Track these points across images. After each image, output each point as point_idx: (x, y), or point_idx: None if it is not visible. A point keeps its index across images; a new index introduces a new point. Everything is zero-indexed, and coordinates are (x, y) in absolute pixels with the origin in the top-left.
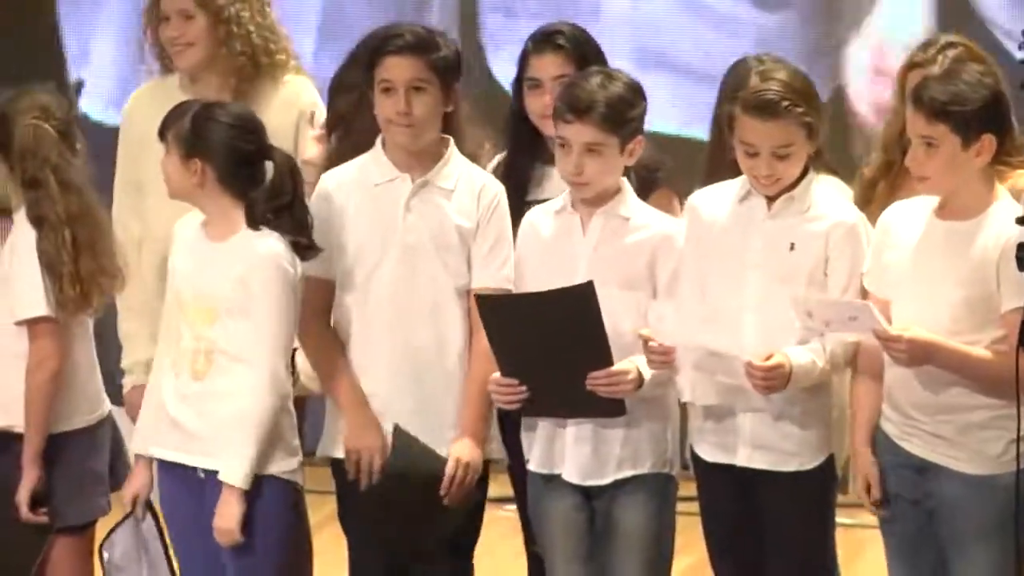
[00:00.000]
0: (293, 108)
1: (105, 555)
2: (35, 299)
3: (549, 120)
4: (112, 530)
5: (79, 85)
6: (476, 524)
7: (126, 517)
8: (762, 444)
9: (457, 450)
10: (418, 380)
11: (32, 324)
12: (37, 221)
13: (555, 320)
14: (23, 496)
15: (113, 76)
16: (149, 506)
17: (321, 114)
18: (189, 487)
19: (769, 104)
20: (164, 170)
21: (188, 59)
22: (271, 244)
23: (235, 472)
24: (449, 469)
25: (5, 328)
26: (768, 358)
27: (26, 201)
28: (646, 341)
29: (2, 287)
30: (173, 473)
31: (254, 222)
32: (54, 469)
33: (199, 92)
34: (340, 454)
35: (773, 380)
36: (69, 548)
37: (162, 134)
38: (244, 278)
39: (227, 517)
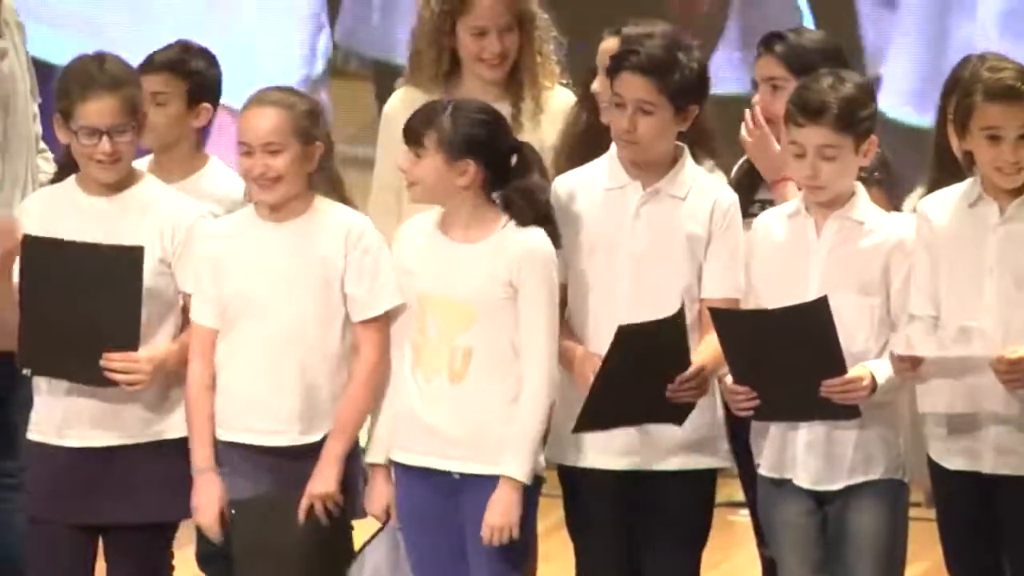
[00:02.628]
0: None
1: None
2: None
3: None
4: (363, 546)
5: None
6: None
7: (379, 530)
8: (1009, 449)
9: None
10: None
11: (374, 325)
12: None
13: (789, 333)
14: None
15: None
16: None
17: None
18: (440, 491)
19: (1011, 88)
20: (416, 174)
21: (502, 71)
22: (540, 239)
23: (521, 469)
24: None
25: (331, 332)
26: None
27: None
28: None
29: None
30: (421, 478)
31: (520, 218)
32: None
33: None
34: (569, 460)
35: (1018, 374)
36: None
37: (414, 138)
38: (514, 276)
39: (506, 513)
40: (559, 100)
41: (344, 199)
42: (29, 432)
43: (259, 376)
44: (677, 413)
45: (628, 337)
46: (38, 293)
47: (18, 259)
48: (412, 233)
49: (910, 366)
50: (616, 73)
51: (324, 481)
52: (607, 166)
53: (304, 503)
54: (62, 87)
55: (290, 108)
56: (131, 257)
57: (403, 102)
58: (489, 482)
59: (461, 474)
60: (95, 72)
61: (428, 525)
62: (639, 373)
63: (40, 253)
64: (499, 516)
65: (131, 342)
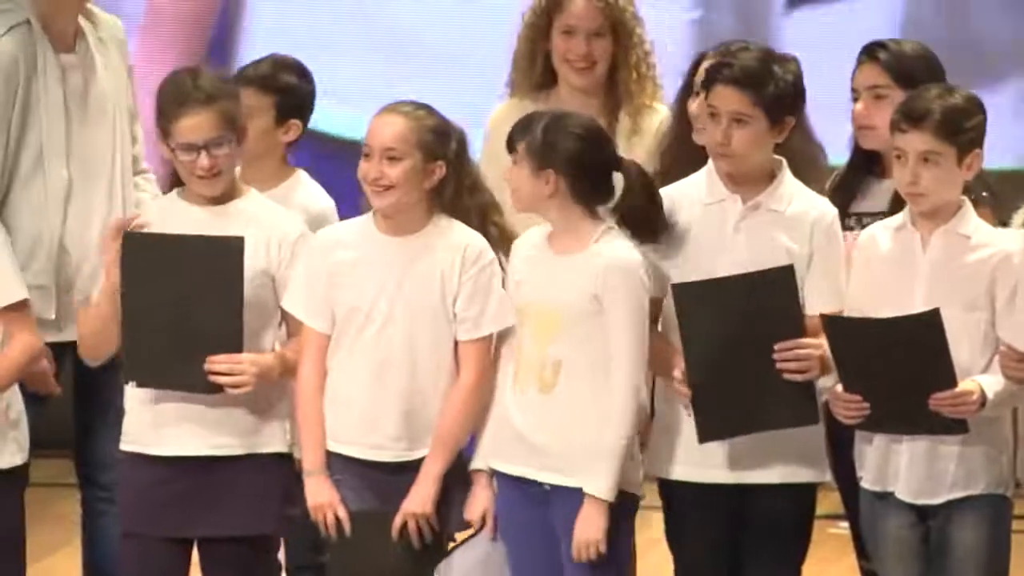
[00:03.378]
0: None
1: None
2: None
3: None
4: (453, 549)
5: None
6: None
7: (471, 536)
8: None
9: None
10: None
11: (478, 344)
12: None
13: (900, 343)
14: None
15: None
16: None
17: None
18: (532, 501)
19: None
20: (513, 182)
21: (589, 77)
22: (627, 253)
23: (603, 485)
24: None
25: (441, 349)
26: None
27: None
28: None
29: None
30: (515, 486)
31: (613, 232)
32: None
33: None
34: (667, 474)
35: None
36: None
37: (511, 146)
38: (601, 289)
39: (593, 529)
40: (660, 120)
41: (480, 225)
42: (122, 443)
43: (367, 389)
44: (956, 424)
45: (840, 329)
46: (138, 295)
47: (120, 263)
48: (524, 245)
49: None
50: (711, 86)
51: (419, 501)
52: (705, 180)
53: (397, 520)
54: (158, 105)
55: (417, 120)
56: (232, 247)
57: (505, 113)
58: (577, 494)
59: (551, 485)
60: (189, 88)
61: (523, 533)
62: (891, 371)
63: (139, 248)
64: (584, 532)
65: (235, 343)
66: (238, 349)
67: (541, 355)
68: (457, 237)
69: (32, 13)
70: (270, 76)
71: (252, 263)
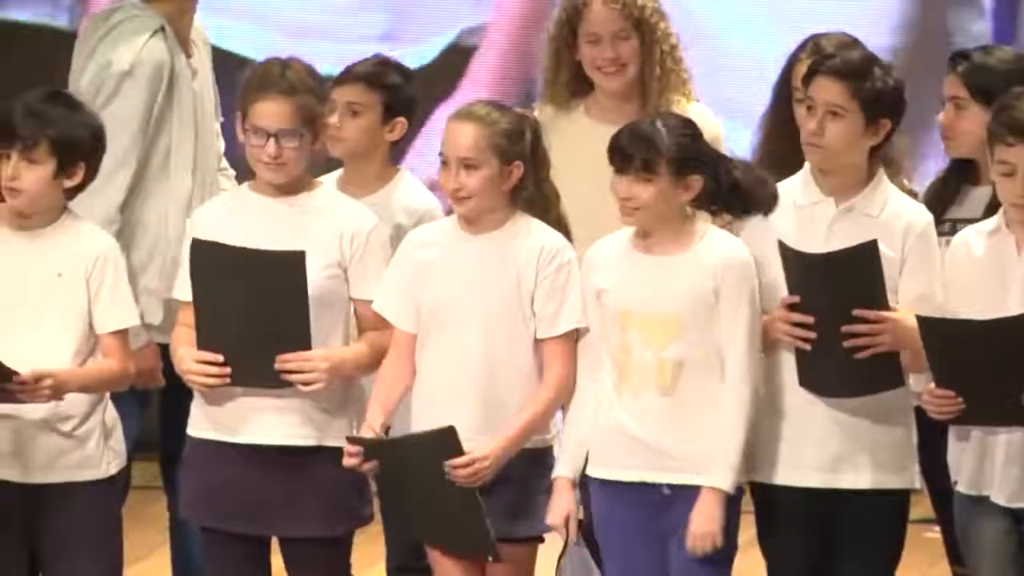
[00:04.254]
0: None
1: None
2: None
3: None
4: (560, 558)
5: None
6: None
7: (565, 548)
8: None
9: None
10: None
11: (560, 342)
12: None
13: (996, 344)
14: None
15: None
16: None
17: None
18: (647, 506)
19: None
20: (643, 198)
21: (620, 80)
22: (739, 248)
23: (724, 477)
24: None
25: (520, 346)
26: None
27: None
28: None
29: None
30: (625, 493)
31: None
32: None
33: (610, 118)
34: (761, 477)
35: None
36: None
37: (626, 161)
38: (719, 285)
39: (710, 520)
40: (693, 116)
41: (557, 218)
42: (190, 428)
43: (448, 387)
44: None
45: (936, 329)
46: (208, 299)
47: (189, 268)
48: (603, 255)
49: None
50: (811, 78)
51: (483, 450)
52: (800, 183)
53: (460, 460)
54: (243, 85)
55: (491, 125)
56: (293, 261)
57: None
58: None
59: (671, 487)
60: (275, 75)
61: (631, 540)
62: (985, 367)
63: (205, 255)
64: (704, 524)
65: (303, 342)
66: (307, 348)
67: (657, 358)
68: (536, 236)
69: (163, 18)
70: (378, 74)
71: (323, 257)
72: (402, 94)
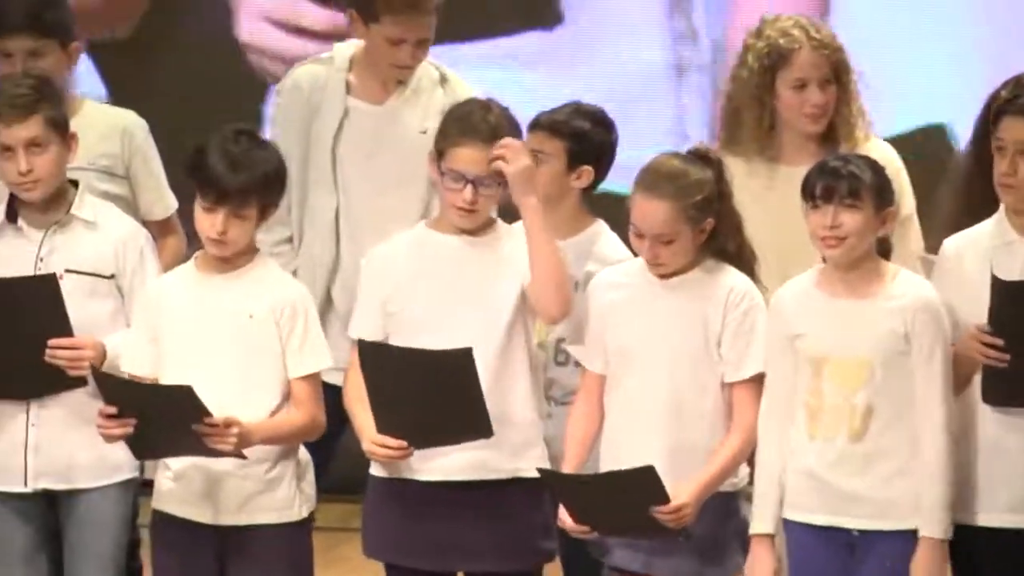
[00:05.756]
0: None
1: None
2: None
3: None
4: None
5: None
6: None
7: None
8: None
9: None
10: None
11: (747, 386)
12: None
13: None
14: None
15: None
16: None
17: None
18: (839, 549)
19: None
20: (849, 227)
21: (823, 124)
22: (932, 291)
23: (941, 526)
24: None
25: (707, 391)
26: None
27: None
28: None
29: None
30: (817, 536)
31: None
32: None
33: (795, 160)
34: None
35: None
36: None
37: (827, 195)
38: (911, 329)
39: (936, 571)
40: (876, 154)
41: (745, 262)
42: (373, 467)
43: (636, 430)
44: None
45: None
46: (382, 394)
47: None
48: (793, 299)
49: None
50: (999, 117)
51: (680, 494)
52: (995, 223)
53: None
54: (443, 125)
55: (682, 199)
56: (461, 357)
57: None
58: (889, 538)
59: (860, 531)
60: (477, 120)
61: None
62: None
63: (373, 356)
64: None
65: (485, 430)
66: (489, 432)
67: (848, 403)
68: (723, 278)
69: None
70: (562, 122)
71: (507, 293)
72: (588, 141)
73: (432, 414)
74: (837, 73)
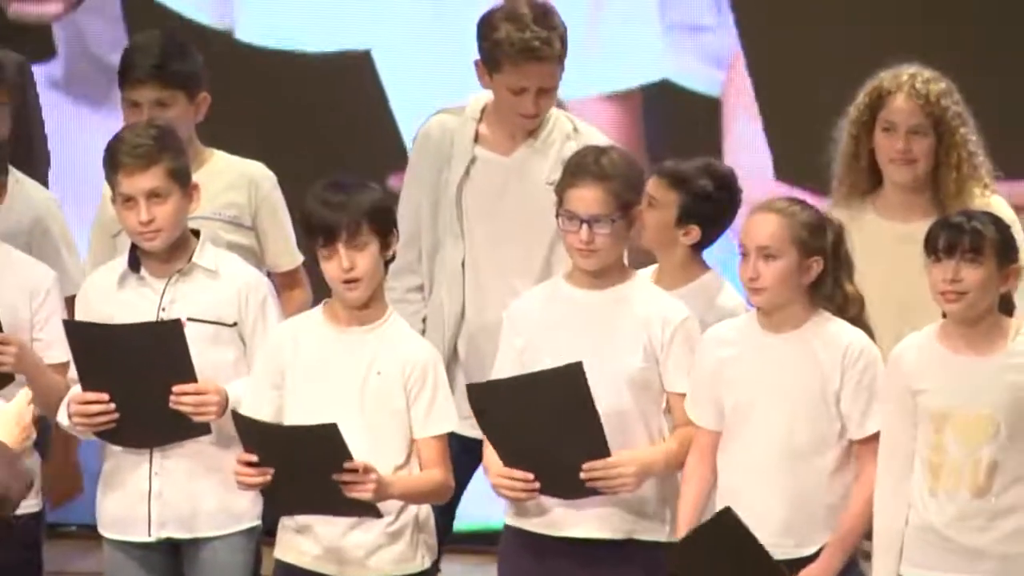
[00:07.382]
0: None
1: None
2: None
3: None
4: None
5: None
6: None
7: None
8: None
9: None
10: None
11: (872, 443)
12: None
13: None
14: None
15: None
16: None
17: None
18: None
19: None
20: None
21: (910, 173)
22: None
23: None
24: None
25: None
26: None
27: None
28: None
29: None
30: None
31: None
32: None
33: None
34: None
35: None
36: None
37: (949, 250)
38: None
39: None
40: (994, 210)
41: (859, 320)
42: (507, 517)
43: (753, 486)
44: None
45: None
46: (501, 429)
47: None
48: (913, 355)
49: None
50: None
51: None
52: None
53: None
54: (562, 173)
55: (791, 216)
56: (573, 375)
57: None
58: None
59: None
60: (590, 162)
61: None
62: None
63: (482, 395)
64: None
65: (601, 451)
66: (604, 453)
67: (972, 459)
68: (840, 334)
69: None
70: (685, 174)
71: (633, 344)
72: (705, 201)
73: (550, 437)
74: (936, 126)
